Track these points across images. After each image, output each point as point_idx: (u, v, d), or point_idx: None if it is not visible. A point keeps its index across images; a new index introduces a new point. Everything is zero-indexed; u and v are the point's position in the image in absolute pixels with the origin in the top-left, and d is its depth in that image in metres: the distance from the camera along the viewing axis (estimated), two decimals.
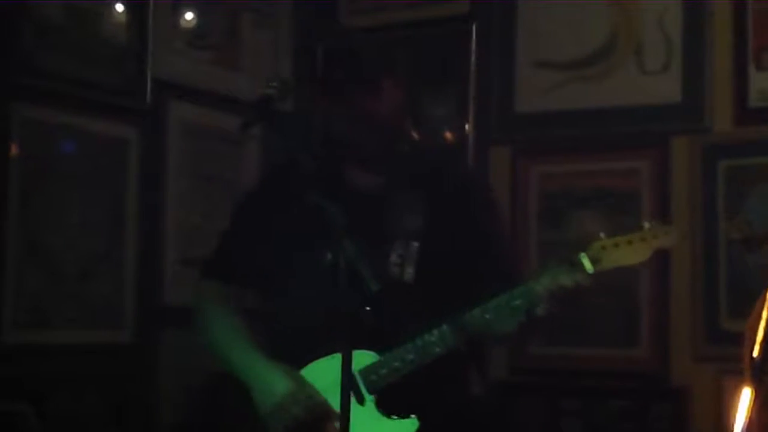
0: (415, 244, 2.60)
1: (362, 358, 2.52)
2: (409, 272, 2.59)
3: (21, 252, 3.42)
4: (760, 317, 1.58)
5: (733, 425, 1.59)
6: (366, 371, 2.54)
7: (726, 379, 3.85)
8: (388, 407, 2.52)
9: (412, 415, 2.50)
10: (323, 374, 2.54)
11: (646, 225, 2.51)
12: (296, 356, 2.60)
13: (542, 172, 4.26)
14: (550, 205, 4.22)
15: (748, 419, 1.52)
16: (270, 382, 2.56)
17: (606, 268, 2.48)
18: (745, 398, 1.51)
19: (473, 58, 4.41)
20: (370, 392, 2.53)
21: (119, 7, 3.79)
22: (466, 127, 4.42)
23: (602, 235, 2.51)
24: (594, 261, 2.47)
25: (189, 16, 4.11)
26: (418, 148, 2.92)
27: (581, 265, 2.47)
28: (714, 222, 3.97)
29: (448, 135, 4.49)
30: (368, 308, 2.43)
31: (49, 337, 3.48)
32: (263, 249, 2.70)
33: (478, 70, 4.40)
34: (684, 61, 4.06)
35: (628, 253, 2.48)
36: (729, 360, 3.78)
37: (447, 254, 2.58)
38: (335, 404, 2.41)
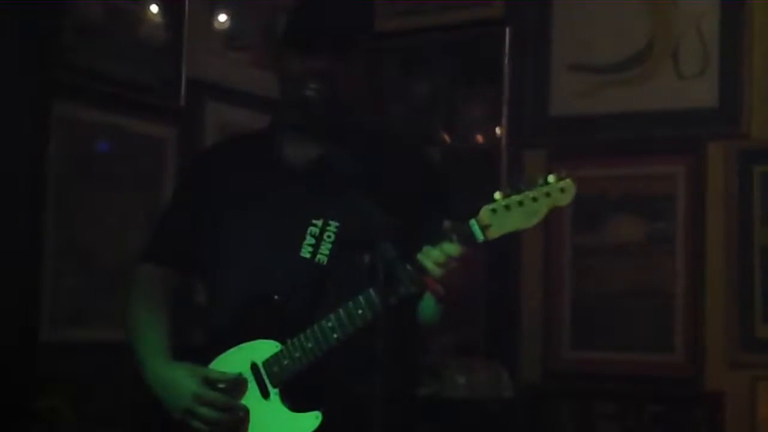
0: (335, 223, 2.43)
1: (267, 348, 2.39)
2: (324, 253, 2.43)
3: (59, 250, 3.44)
4: None
5: None
6: (269, 362, 2.39)
7: (760, 385, 3.84)
8: (293, 400, 2.38)
9: (316, 409, 2.35)
10: (228, 369, 2.42)
11: (540, 181, 2.18)
12: (214, 348, 2.47)
13: (577, 176, 4.24)
14: (584, 209, 4.20)
15: None
16: (174, 384, 2.42)
17: (497, 235, 2.20)
18: None
19: (507, 61, 4.41)
20: (274, 385, 2.38)
21: (153, 8, 3.81)
22: (497, 130, 4.42)
23: (497, 195, 2.19)
24: (484, 227, 2.19)
25: (222, 17, 4.13)
26: (363, 123, 2.64)
27: (471, 234, 2.20)
28: (749, 228, 3.96)
29: (480, 138, 4.49)
30: (277, 297, 2.39)
31: (86, 334, 3.49)
32: (203, 229, 2.56)
33: (512, 73, 4.40)
34: (721, 65, 4.05)
35: (520, 215, 2.18)
36: (764, 366, 3.80)
37: (369, 235, 2.26)
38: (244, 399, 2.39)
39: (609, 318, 4.17)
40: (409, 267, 2.23)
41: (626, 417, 4.08)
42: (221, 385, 2.42)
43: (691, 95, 4.08)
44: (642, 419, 4.05)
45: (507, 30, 4.42)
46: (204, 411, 2.39)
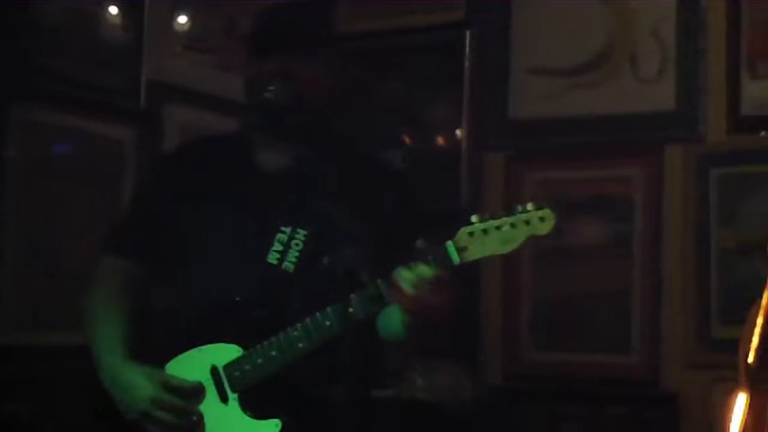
0: (303, 231, 2.44)
1: (228, 352, 2.39)
2: (291, 260, 2.43)
3: (19, 253, 3.42)
4: (755, 324, 1.60)
5: (726, 430, 1.61)
6: (230, 367, 2.39)
7: (717, 386, 3.87)
8: (252, 407, 2.37)
9: (275, 417, 2.35)
10: (188, 370, 2.43)
11: (519, 208, 2.21)
12: (173, 348, 2.47)
13: (536, 178, 4.27)
14: None
15: (742, 425, 1.53)
16: (132, 387, 2.41)
17: (473, 259, 2.21)
18: (740, 404, 1.52)
19: (467, 64, 4.43)
20: (234, 390, 2.38)
21: (113, 10, 3.80)
22: (458, 132, 4.44)
23: (474, 218, 2.21)
24: (461, 250, 2.20)
25: (182, 19, 4.12)
26: (333, 127, 2.65)
27: (447, 256, 2.21)
28: (707, 229, 3.99)
29: (441, 140, 4.51)
30: (238, 298, 2.40)
31: (47, 338, 3.47)
32: (168, 226, 2.56)
33: (473, 76, 4.42)
34: (678, 69, 4.08)
35: (497, 240, 2.19)
36: (720, 367, 3.81)
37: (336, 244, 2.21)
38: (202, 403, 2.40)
39: (569, 319, 4.19)
40: (380, 283, 2.23)
41: (585, 418, 4.11)
42: (180, 391, 2.41)
43: (648, 98, 4.12)
44: (601, 420, 4.08)
45: (468, 33, 4.44)
46: (161, 415, 2.39)
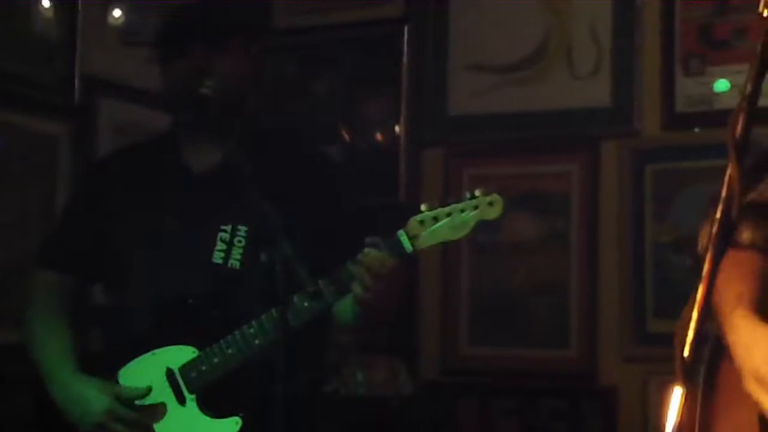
0: (244, 227, 2.42)
1: (182, 354, 2.39)
2: (236, 258, 2.42)
3: None
4: (690, 318, 1.61)
5: (661, 424, 1.62)
6: (186, 368, 2.38)
7: (652, 379, 3.91)
8: (210, 407, 2.37)
9: (235, 415, 2.35)
10: (142, 374, 2.42)
11: (468, 195, 2.24)
12: (124, 354, 2.46)
13: (474, 174, 4.28)
14: None
15: (678, 419, 1.54)
16: (85, 400, 2.41)
17: (425, 246, 2.24)
18: (676, 398, 1.53)
19: (405, 61, 4.43)
20: (191, 391, 2.38)
21: (46, 2, 3.74)
22: (396, 128, 4.44)
23: (424, 207, 2.23)
24: (412, 238, 2.23)
25: (117, 13, 4.07)
26: (260, 124, 2.65)
27: (399, 245, 2.24)
28: (642, 225, 4.03)
29: (379, 136, 4.50)
30: (191, 300, 2.40)
31: None
32: (103, 235, 2.55)
33: (411, 72, 4.42)
34: (613, 65, 4.12)
35: (447, 227, 2.21)
36: (655, 361, 3.87)
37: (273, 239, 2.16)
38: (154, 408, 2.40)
39: (506, 314, 4.21)
40: (321, 282, 2.22)
41: (523, 412, 4.13)
42: (134, 401, 2.41)
43: (584, 94, 4.15)
44: (538, 414, 4.11)
45: (406, 29, 4.44)
46: (117, 427, 2.39)
